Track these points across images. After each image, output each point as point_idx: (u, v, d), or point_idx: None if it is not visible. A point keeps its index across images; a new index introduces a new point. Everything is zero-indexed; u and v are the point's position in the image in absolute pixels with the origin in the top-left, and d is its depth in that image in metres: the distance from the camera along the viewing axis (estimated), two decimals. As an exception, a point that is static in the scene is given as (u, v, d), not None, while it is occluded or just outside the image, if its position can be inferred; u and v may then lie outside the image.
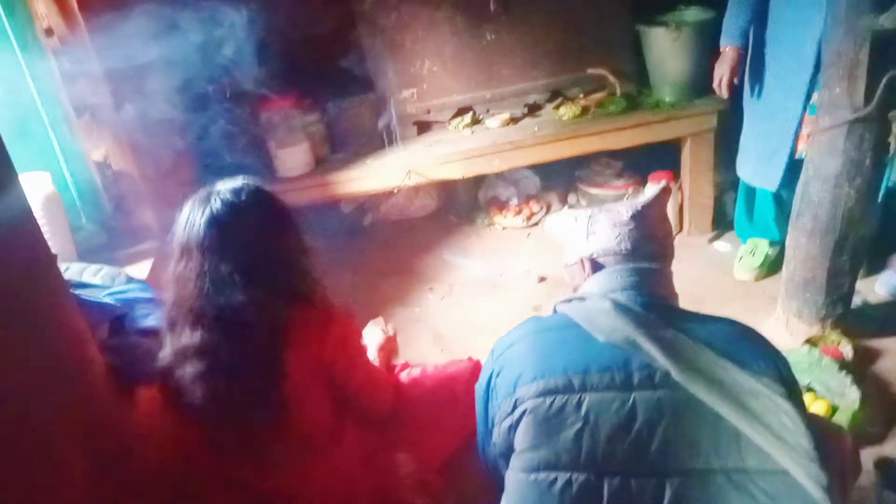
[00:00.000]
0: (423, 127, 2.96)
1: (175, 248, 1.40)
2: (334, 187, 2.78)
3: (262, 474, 1.49)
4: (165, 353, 1.42)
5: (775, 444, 1.09)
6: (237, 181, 1.44)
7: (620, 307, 1.23)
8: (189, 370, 1.38)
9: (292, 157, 2.75)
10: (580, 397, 1.16)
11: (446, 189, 3.32)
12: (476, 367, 1.84)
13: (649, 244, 1.35)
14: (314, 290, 1.46)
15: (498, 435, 1.27)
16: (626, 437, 1.13)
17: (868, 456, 1.74)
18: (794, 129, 2.16)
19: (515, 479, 1.19)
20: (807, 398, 1.87)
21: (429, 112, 2.93)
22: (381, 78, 2.86)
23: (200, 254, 1.35)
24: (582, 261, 1.38)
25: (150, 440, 1.56)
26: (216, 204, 1.37)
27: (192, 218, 1.38)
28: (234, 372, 1.38)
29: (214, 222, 1.35)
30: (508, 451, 1.24)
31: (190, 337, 1.38)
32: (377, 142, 2.87)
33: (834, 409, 1.86)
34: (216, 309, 1.35)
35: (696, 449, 1.12)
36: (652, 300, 1.28)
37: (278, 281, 1.40)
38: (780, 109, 2.19)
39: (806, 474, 1.07)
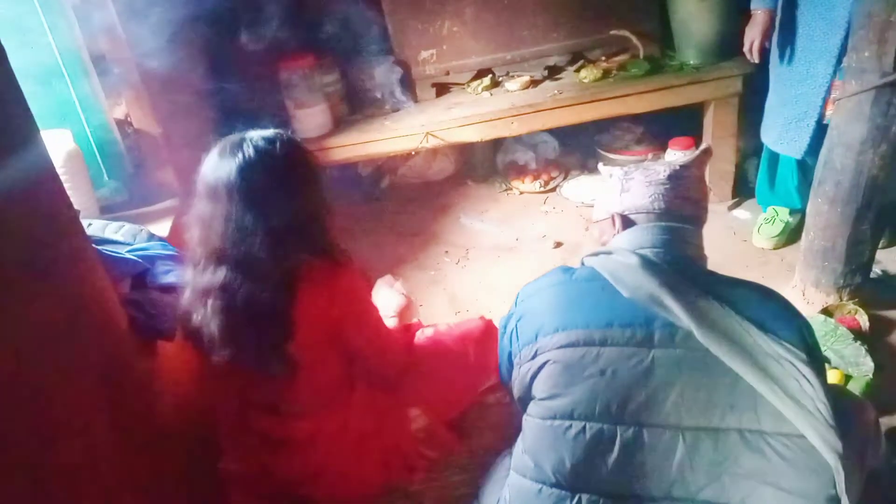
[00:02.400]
0: (442, 89, 2.93)
1: (201, 189, 1.39)
2: (352, 149, 2.78)
3: (277, 424, 1.54)
4: (186, 293, 1.44)
5: (793, 407, 1.09)
6: (270, 130, 1.43)
7: (647, 263, 1.22)
8: (207, 311, 1.40)
9: (310, 118, 2.74)
10: (599, 351, 1.18)
11: (464, 152, 3.30)
12: (488, 327, 1.85)
13: (683, 205, 1.33)
14: (332, 246, 1.47)
15: (517, 378, 1.30)
16: (643, 392, 1.15)
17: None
18: (823, 94, 2.11)
19: (532, 423, 1.23)
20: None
21: (448, 74, 2.90)
22: (401, 39, 2.83)
23: (227, 197, 1.35)
24: (613, 216, 1.36)
25: (170, 391, 1.61)
26: (248, 150, 1.36)
27: (222, 161, 1.37)
28: (249, 318, 1.40)
29: (244, 167, 1.35)
30: (526, 395, 1.28)
31: (210, 277, 1.39)
32: (396, 103, 2.85)
33: (847, 379, 1.86)
34: (237, 253, 1.36)
35: (712, 407, 1.13)
36: (680, 260, 1.27)
37: (299, 232, 1.40)
38: (809, 74, 2.14)
39: (822, 439, 1.08)
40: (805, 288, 2.18)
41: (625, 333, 1.18)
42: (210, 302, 1.40)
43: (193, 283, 1.43)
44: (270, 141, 1.39)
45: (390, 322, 1.85)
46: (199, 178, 1.40)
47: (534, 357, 1.25)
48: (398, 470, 1.67)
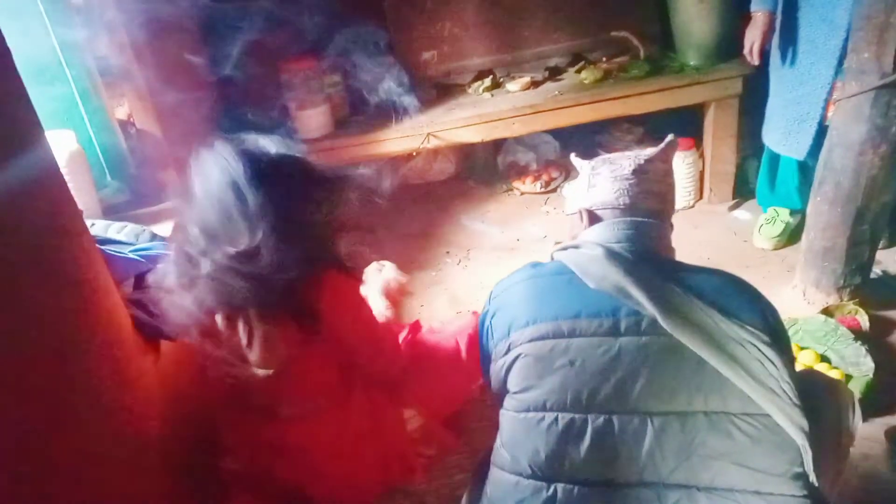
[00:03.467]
0: (443, 90, 2.94)
1: (195, 192, 1.40)
2: (353, 150, 2.79)
3: (275, 426, 1.54)
4: (179, 293, 1.44)
5: (758, 389, 1.11)
6: (260, 138, 1.44)
7: (611, 254, 1.24)
8: (200, 312, 1.41)
9: (312, 119, 2.75)
10: (568, 342, 1.19)
11: (465, 153, 3.31)
12: None
13: (648, 199, 1.34)
14: (327, 254, 1.47)
15: (494, 373, 1.32)
16: (611, 380, 1.17)
17: (880, 426, 1.75)
18: (824, 95, 2.12)
19: (508, 416, 1.25)
20: (821, 367, 1.88)
21: (449, 75, 2.91)
22: (402, 40, 2.84)
23: (220, 201, 1.35)
24: (581, 211, 1.38)
25: (172, 390, 1.61)
26: (234, 158, 1.37)
27: (209, 170, 1.38)
28: (248, 323, 1.40)
29: (236, 173, 1.35)
30: (502, 389, 1.30)
31: (204, 279, 1.39)
32: (397, 104, 2.86)
33: (848, 379, 1.86)
34: (230, 255, 1.36)
35: (678, 392, 1.15)
36: (644, 253, 1.28)
37: (292, 242, 1.39)
38: (810, 76, 2.14)
39: (787, 418, 1.10)
40: (805, 288, 2.18)
41: (592, 324, 1.19)
42: (203, 303, 1.41)
43: (188, 284, 1.43)
44: (264, 147, 1.41)
45: (381, 306, 1.83)
46: (193, 182, 1.40)
47: (507, 352, 1.26)
48: (397, 470, 1.68)
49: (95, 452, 1.24)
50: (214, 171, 1.38)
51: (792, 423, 1.10)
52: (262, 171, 1.38)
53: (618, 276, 1.20)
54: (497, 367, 1.30)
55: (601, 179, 1.36)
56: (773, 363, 1.12)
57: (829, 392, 1.30)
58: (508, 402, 1.26)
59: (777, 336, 1.18)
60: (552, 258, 1.38)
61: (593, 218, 1.36)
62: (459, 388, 1.81)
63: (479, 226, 2.98)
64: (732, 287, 1.25)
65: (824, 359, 1.93)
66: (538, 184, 3.15)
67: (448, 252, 2.82)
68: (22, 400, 1.05)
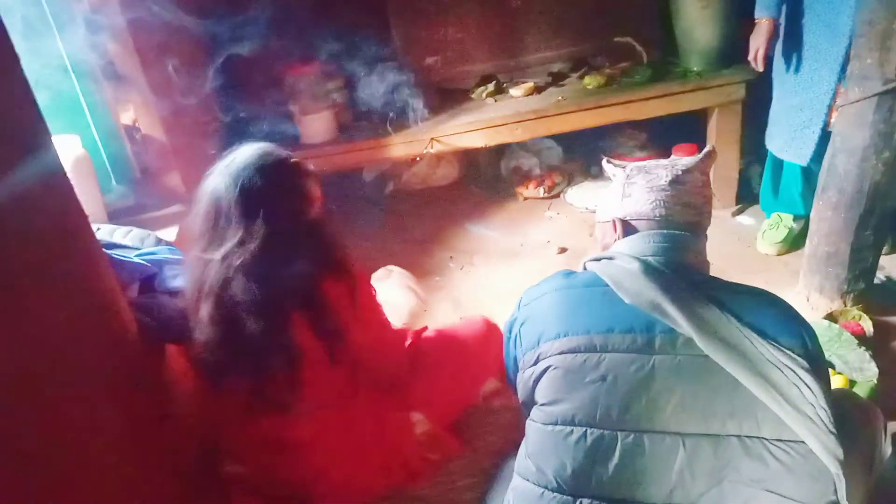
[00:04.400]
0: (447, 95, 2.95)
1: (200, 208, 1.45)
2: (357, 155, 2.80)
3: (279, 426, 1.55)
4: (187, 298, 1.48)
5: (793, 414, 1.09)
6: (260, 146, 1.48)
7: (649, 269, 1.22)
8: (207, 316, 1.43)
9: (316, 124, 2.77)
10: (600, 357, 1.18)
11: (468, 159, 3.32)
12: (489, 328, 1.86)
13: (685, 212, 1.31)
14: (332, 253, 1.49)
15: (521, 382, 1.31)
16: (643, 399, 1.15)
17: (884, 431, 1.75)
18: (828, 101, 2.12)
19: (535, 428, 1.24)
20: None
21: (452, 80, 2.92)
22: (405, 45, 2.85)
23: (224, 215, 1.40)
24: (614, 221, 1.36)
25: (176, 394, 1.62)
26: (240, 168, 1.42)
27: (216, 180, 1.43)
28: (251, 327, 1.42)
29: (238, 186, 1.40)
30: (529, 399, 1.28)
31: (211, 283, 1.42)
32: (400, 110, 2.87)
33: (852, 384, 1.86)
34: (236, 260, 1.40)
35: (712, 414, 1.13)
36: (680, 267, 1.26)
37: (297, 243, 1.44)
38: (814, 82, 2.15)
39: (822, 446, 1.07)
40: (809, 293, 2.18)
41: (625, 339, 1.18)
42: (209, 308, 1.43)
43: (195, 289, 1.45)
44: (262, 156, 1.45)
45: (399, 324, 1.86)
46: (200, 189, 1.46)
47: (536, 362, 1.25)
48: (400, 473, 1.68)
49: (98, 455, 1.24)
50: (223, 172, 1.43)
51: (827, 452, 1.07)
52: (269, 173, 1.42)
53: (654, 294, 1.18)
54: (525, 377, 1.28)
55: (636, 189, 1.34)
56: (810, 389, 1.10)
57: (864, 418, 1.28)
58: (536, 413, 1.24)
59: (815, 360, 1.15)
60: (584, 268, 1.35)
61: (627, 228, 1.34)
62: (465, 390, 1.81)
63: (483, 231, 2.98)
64: (771, 308, 1.22)
65: (829, 364, 1.92)
66: (541, 189, 3.15)
67: (452, 257, 2.82)
68: (27, 403, 1.06)
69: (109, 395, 1.32)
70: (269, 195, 1.43)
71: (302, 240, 1.45)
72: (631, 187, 1.35)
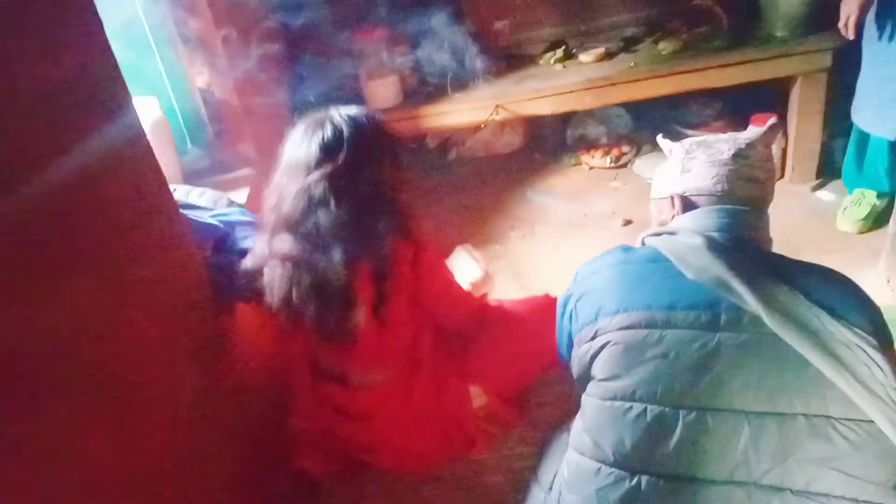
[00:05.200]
0: (514, 60, 2.90)
1: (283, 162, 1.46)
2: (422, 120, 2.80)
3: (343, 394, 1.59)
4: (258, 260, 1.50)
5: (863, 394, 1.06)
6: (352, 108, 1.48)
7: (713, 244, 1.19)
8: (277, 279, 1.45)
9: (382, 89, 2.77)
10: (662, 333, 1.16)
11: (533, 126, 3.27)
12: (552, 304, 1.85)
13: (748, 187, 1.28)
14: (406, 219, 1.50)
15: (577, 357, 1.30)
16: (707, 376, 1.13)
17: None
18: (922, 72, 1.98)
19: (592, 403, 1.23)
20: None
21: (520, 45, 2.86)
22: (473, 9, 2.80)
23: (306, 172, 1.41)
24: (672, 197, 1.33)
25: (247, 349, 1.69)
26: (331, 126, 1.42)
27: (305, 137, 1.43)
28: (317, 288, 1.44)
29: (326, 144, 1.41)
30: (586, 374, 1.27)
31: (283, 247, 1.44)
32: (466, 76, 2.84)
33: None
34: (311, 225, 1.41)
35: (779, 392, 1.10)
36: (744, 243, 1.23)
37: (375, 207, 1.44)
38: (908, 51, 2.00)
39: (893, 426, 1.04)
40: (891, 275, 2.07)
41: (689, 316, 1.15)
42: (280, 270, 1.45)
43: (267, 252, 1.48)
44: (353, 118, 1.44)
45: (473, 266, 1.89)
46: (282, 152, 1.46)
47: (594, 338, 1.24)
48: (459, 444, 1.71)
49: (177, 406, 1.32)
50: (309, 132, 1.43)
51: None
52: (354, 133, 1.42)
53: (720, 269, 1.15)
54: (581, 352, 1.27)
55: (697, 164, 1.31)
56: (880, 368, 1.06)
57: None
58: (593, 388, 1.24)
59: (884, 340, 1.11)
60: (643, 243, 1.33)
61: (686, 204, 1.31)
62: (527, 368, 1.80)
63: (545, 200, 2.95)
64: (839, 286, 1.18)
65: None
66: (608, 158, 3.08)
67: (513, 226, 2.81)
68: (112, 359, 1.13)
69: (189, 352, 1.39)
70: (366, 151, 1.43)
71: (380, 204, 1.45)
72: (691, 162, 1.32)
